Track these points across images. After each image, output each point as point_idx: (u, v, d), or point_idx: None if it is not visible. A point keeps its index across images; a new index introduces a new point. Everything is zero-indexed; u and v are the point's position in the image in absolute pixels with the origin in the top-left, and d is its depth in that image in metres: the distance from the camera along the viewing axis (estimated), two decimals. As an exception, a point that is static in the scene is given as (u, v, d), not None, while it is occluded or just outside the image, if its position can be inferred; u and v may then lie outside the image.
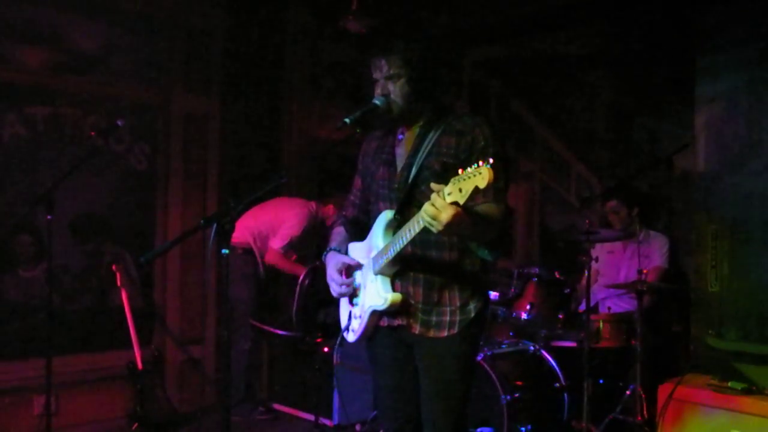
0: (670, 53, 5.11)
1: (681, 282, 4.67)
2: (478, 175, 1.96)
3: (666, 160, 4.63)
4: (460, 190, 1.99)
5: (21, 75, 4.24)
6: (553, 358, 4.06)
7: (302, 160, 5.64)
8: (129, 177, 4.69)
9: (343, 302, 2.67)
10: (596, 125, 6.06)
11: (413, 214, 2.23)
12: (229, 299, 3.09)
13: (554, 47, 5.76)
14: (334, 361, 4.44)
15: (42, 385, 3.62)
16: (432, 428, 2.46)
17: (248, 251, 4.83)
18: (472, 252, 2.47)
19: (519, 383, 3.88)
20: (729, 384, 3.54)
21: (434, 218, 2.07)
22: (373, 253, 2.46)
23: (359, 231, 2.65)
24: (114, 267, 4.48)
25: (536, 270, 4.29)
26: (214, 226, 2.20)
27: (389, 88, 2.44)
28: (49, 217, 3.57)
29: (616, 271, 4.73)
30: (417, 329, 2.43)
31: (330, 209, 4.89)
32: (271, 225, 4.84)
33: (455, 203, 2.03)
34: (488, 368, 3.77)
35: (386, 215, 2.45)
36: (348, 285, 2.55)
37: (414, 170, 2.43)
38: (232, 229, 2.24)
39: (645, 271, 4.03)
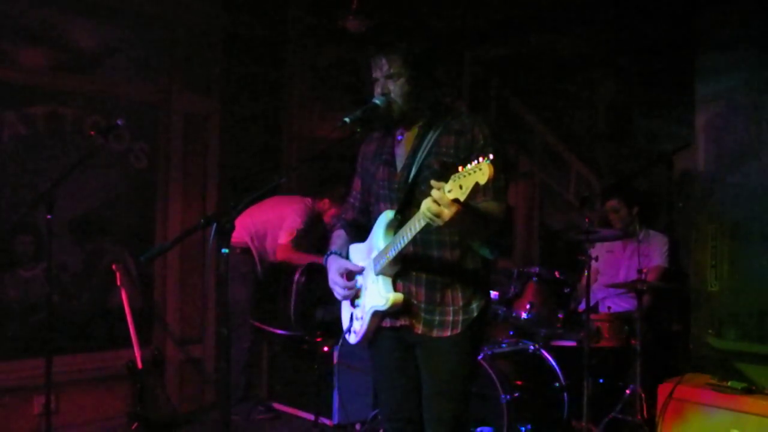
0: (670, 53, 5.10)
1: (681, 281, 4.67)
2: (479, 171, 1.96)
3: (666, 159, 4.63)
4: (461, 187, 1.99)
5: (21, 75, 4.24)
6: (553, 358, 4.06)
7: (302, 159, 5.64)
8: (129, 176, 4.69)
9: (344, 304, 2.67)
10: (596, 124, 6.05)
11: (414, 214, 2.23)
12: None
13: (554, 47, 5.76)
14: (334, 360, 4.45)
15: (42, 384, 3.61)
16: (434, 428, 2.46)
17: (246, 251, 4.83)
18: (474, 251, 2.48)
19: (519, 383, 3.88)
20: (729, 383, 3.55)
21: (437, 214, 2.06)
22: (374, 254, 2.46)
23: (359, 233, 2.65)
24: (114, 267, 4.49)
25: (536, 269, 4.29)
26: (214, 225, 2.20)
27: (389, 87, 2.44)
28: (49, 216, 3.56)
29: (616, 270, 4.73)
30: (420, 329, 2.43)
31: (326, 203, 4.90)
32: (270, 223, 4.85)
33: (456, 200, 2.02)
34: (488, 368, 3.77)
35: (387, 215, 2.45)
36: (351, 288, 2.54)
37: (414, 170, 2.43)
38: (232, 228, 2.24)
39: (645, 271, 4.03)
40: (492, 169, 1.95)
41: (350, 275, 2.56)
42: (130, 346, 4.34)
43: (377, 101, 2.44)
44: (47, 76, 4.33)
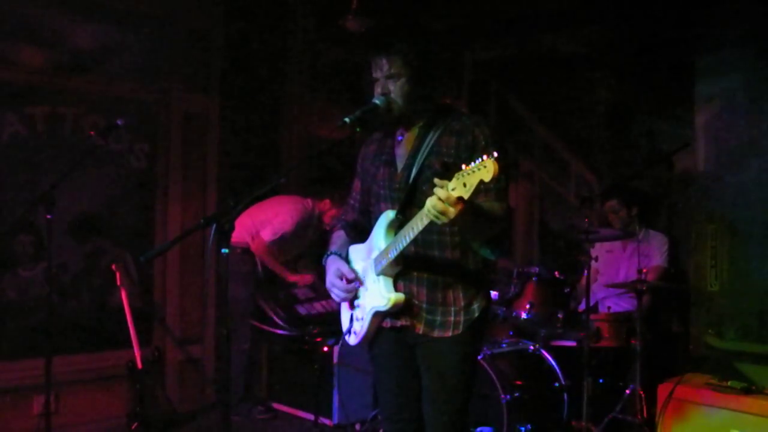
0: (670, 53, 5.11)
1: (681, 281, 4.67)
2: (483, 169, 1.95)
3: (666, 159, 4.63)
4: (465, 185, 1.98)
5: (21, 75, 4.23)
6: (553, 358, 4.06)
7: (302, 159, 5.64)
8: (128, 176, 4.68)
9: (344, 306, 2.67)
10: (596, 125, 6.05)
11: (415, 214, 2.23)
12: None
13: (554, 47, 5.76)
14: (334, 360, 4.45)
15: (42, 384, 3.61)
16: (434, 428, 2.46)
17: (246, 251, 4.83)
18: (475, 251, 2.47)
19: (519, 383, 3.88)
20: (729, 383, 3.54)
21: (442, 212, 2.05)
22: (375, 254, 2.45)
23: (359, 234, 2.65)
24: (114, 267, 4.48)
25: (536, 269, 4.29)
26: (214, 225, 2.20)
27: (389, 87, 2.44)
28: (49, 216, 3.56)
29: (616, 270, 4.73)
30: (421, 329, 2.43)
31: (326, 203, 4.91)
32: (267, 222, 4.84)
33: (460, 198, 2.02)
34: (488, 368, 3.77)
35: (388, 215, 2.44)
36: (350, 291, 2.54)
37: (415, 170, 2.43)
38: (232, 228, 2.24)
39: (645, 271, 4.03)
40: (497, 166, 1.94)
41: (349, 278, 2.55)
42: (130, 346, 4.33)
43: (377, 101, 2.44)
44: (47, 76, 4.33)
